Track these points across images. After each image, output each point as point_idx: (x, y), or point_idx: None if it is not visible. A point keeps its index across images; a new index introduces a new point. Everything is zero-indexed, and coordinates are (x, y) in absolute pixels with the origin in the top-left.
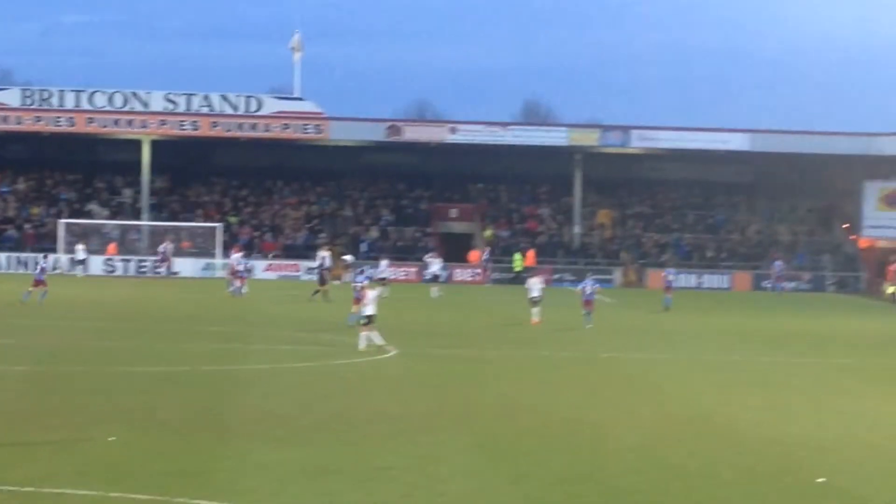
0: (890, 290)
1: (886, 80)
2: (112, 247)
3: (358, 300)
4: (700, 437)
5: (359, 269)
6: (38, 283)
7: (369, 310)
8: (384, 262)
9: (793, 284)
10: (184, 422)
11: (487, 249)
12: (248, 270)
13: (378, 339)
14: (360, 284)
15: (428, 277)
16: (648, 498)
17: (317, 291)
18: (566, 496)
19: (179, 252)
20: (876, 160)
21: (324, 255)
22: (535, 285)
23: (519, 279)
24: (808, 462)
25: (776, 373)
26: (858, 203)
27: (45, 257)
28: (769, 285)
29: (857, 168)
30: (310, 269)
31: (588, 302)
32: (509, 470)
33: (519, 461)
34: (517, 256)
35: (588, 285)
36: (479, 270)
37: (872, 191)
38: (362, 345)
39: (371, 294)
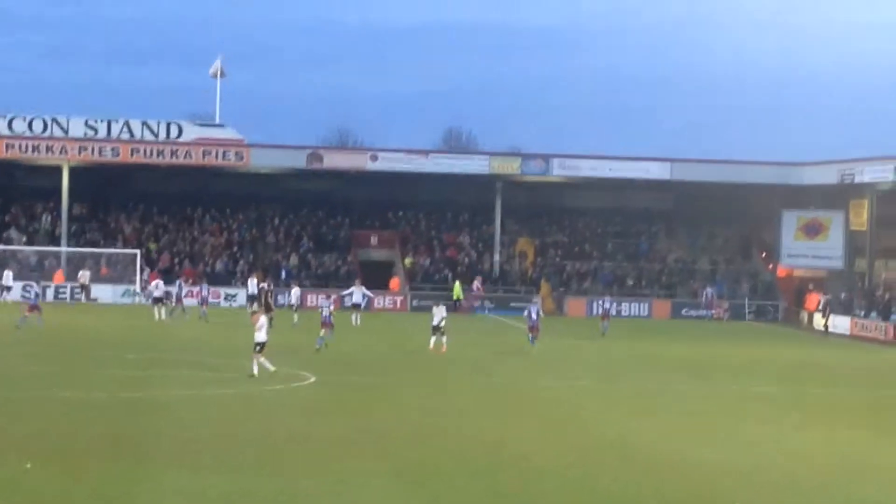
0: (822, 321)
1: (807, 110)
2: (59, 273)
3: (324, 324)
4: (620, 463)
5: (326, 295)
6: (33, 308)
7: (260, 336)
8: (356, 290)
9: (725, 308)
10: (102, 448)
11: (479, 279)
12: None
13: (268, 365)
14: (325, 309)
15: (349, 305)
16: None
17: (270, 319)
18: None
19: (98, 279)
20: (795, 190)
21: (255, 281)
22: (438, 313)
23: (458, 307)
24: (727, 488)
25: (695, 400)
26: (777, 232)
27: (37, 284)
28: (704, 313)
29: (777, 197)
30: (250, 297)
31: (533, 327)
32: (427, 495)
33: (437, 486)
34: (457, 284)
35: (533, 311)
36: (400, 297)
37: (791, 220)
38: (255, 370)
39: (262, 320)
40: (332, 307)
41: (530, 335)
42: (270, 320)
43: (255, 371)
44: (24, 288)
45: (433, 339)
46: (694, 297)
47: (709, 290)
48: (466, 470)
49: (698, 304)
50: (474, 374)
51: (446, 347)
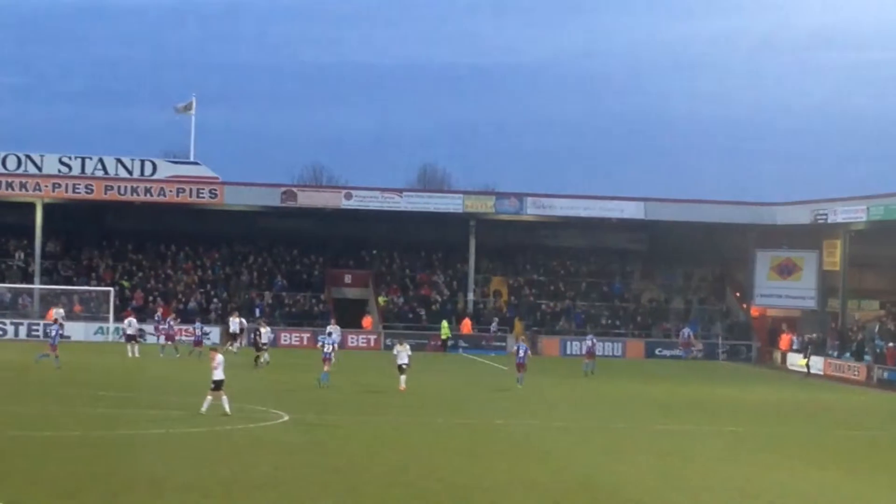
0: (801, 361)
1: (779, 149)
2: (50, 313)
3: (325, 360)
4: (588, 503)
5: (327, 332)
6: (54, 347)
7: (217, 374)
8: (334, 329)
9: (699, 348)
10: (73, 487)
11: (495, 321)
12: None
13: (226, 407)
14: (327, 345)
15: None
16: None
17: (257, 358)
18: None
19: (71, 316)
20: (768, 229)
21: (237, 320)
22: (402, 352)
23: (446, 347)
24: None
25: (667, 440)
26: (751, 272)
27: (57, 322)
28: (681, 353)
29: (750, 237)
30: (231, 335)
31: (520, 365)
32: None
33: None
34: (444, 324)
35: (521, 349)
36: (374, 336)
37: (764, 260)
38: (204, 408)
39: (218, 358)
40: (335, 344)
41: (518, 373)
42: (257, 360)
43: (205, 409)
44: (45, 328)
45: (402, 378)
46: (667, 337)
47: (686, 329)
48: None
49: (674, 344)
50: (449, 413)
51: (406, 386)
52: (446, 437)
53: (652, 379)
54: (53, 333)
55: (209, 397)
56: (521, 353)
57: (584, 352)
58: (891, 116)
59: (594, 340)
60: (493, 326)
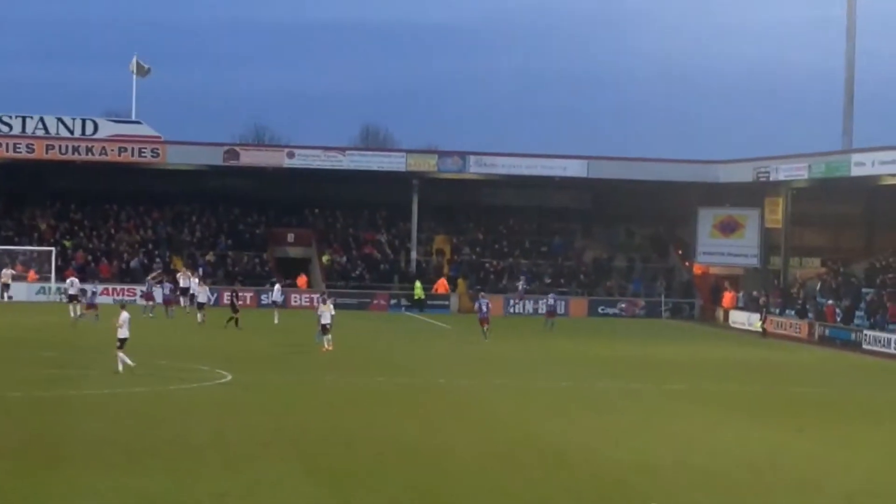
0: (757, 324)
1: (722, 108)
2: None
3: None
4: (534, 463)
5: (326, 293)
6: (91, 306)
7: (122, 333)
8: (277, 287)
9: (641, 305)
10: (15, 448)
11: (524, 278)
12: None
13: (128, 361)
14: (320, 306)
15: (269, 303)
16: None
17: (231, 318)
18: None
19: (13, 276)
20: (710, 188)
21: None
22: (326, 312)
23: (420, 306)
24: (641, 486)
25: (609, 398)
26: (693, 230)
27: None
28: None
29: (693, 195)
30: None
31: (484, 319)
32: (342, 497)
33: (351, 487)
34: (418, 284)
35: (483, 304)
36: (317, 294)
37: (707, 218)
38: (120, 367)
39: (124, 316)
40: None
41: (482, 327)
42: (236, 321)
43: (121, 368)
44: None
45: (325, 338)
46: (610, 296)
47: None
48: (381, 471)
49: (616, 302)
50: (391, 373)
51: (332, 346)
52: (390, 396)
53: (595, 337)
54: (89, 294)
55: (120, 355)
56: (484, 309)
57: (543, 311)
58: (832, 75)
59: (555, 299)
60: (521, 284)
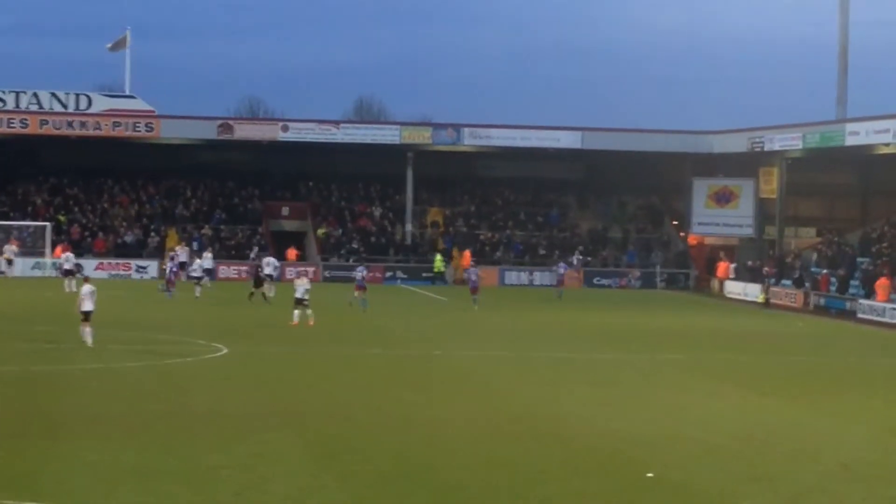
0: (761, 297)
1: (716, 78)
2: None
3: (358, 287)
4: (530, 434)
5: (359, 263)
6: (171, 281)
7: (86, 305)
8: (270, 259)
9: (637, 276)
10: (11, 422)
11: (579, 251)
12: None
13: (88, 338)
14: (359, 274)
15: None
16: (479, 495)
17: (252, 293)
18: (395, 494)
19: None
20: (705, 158)
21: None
22: (301, 286)
23: (441, 279)
24: (638, 457)
25: (606, 369)
26: (688, 200)
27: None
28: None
29: (687, 165)
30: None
31: (475, 289)
32: (338, 469)
33: (348, 460)
34: (438, 257)
35: (474, 274)
36: (312, 268)
37: (701, 188)
38: (89, 341)
39: (86, 289)
40: (365, 272)
41: (473, 296)
42: (263, 295)
43: (90, 341)
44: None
45: (296, 312)
46: (605, 266)
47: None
48: (378, 444)
49: (612, 273)
50: (387, 345)
51: (314, 320)
52: (386, 368)
53: (591, 308)
54: (168, 270)
55: (86, 329)
56: (474, 278)
57: (555, 282)
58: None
59: (566, 268)
60: (576, 257)
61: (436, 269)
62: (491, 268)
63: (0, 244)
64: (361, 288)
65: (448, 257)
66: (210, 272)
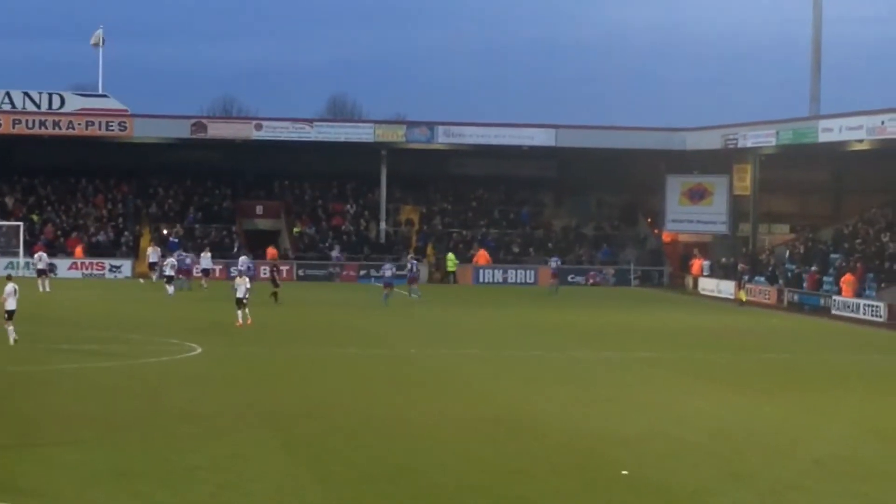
0: (741, 295)
1: (690, 75)
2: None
3: (410, 280)
4: (507, 433)
5: (385, 265)
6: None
7: (10, 304)
8: (244, 259)
9: (612, 273)
10: None
11: (555, 258)
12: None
13: (12, 336)
14: (413, 269)
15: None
16: (457, 495)
17: (274, 293)
18: (374, 495)
19: None
20: (678, 155)
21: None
22: (241, 286)
23: (451, 280)
24: (613, 455)
25: (581, 367)
26: (662, 197)
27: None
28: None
29: (661, 163)
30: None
31: (413, 279)
32: (316, 469)
33: (326, 460)
34: (450, 256)
35: (413, 265)
36: (286, 267)
37: (675, 185)
38: (11, 340)
39: (9, 288)
40: (416, 267)
41: (410, 286)
42: (275, 296)
43: (12, 340)
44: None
45: (239, 313)
46: (579, 264)
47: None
48: (356, 444)
49: (586, 271)
50: (363, 344)
51: (251, 319)
52: (362, 367)
53: (565, 306)
54: (187, 260)
55: (9, 328)
56: (414, 270)
57: (551, 274)
58: (798, 42)
59: (558, 263)
60: (554, 261)
61: (449, 269)
62: (466, 265)
63: None
64: (413, 280)
65: (422, 255)
66: (207, 272)
